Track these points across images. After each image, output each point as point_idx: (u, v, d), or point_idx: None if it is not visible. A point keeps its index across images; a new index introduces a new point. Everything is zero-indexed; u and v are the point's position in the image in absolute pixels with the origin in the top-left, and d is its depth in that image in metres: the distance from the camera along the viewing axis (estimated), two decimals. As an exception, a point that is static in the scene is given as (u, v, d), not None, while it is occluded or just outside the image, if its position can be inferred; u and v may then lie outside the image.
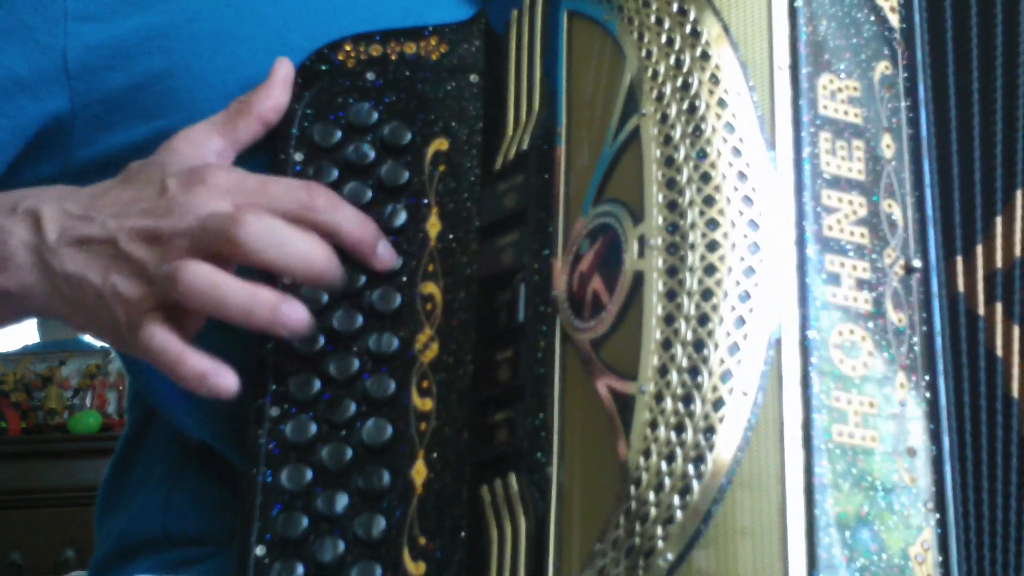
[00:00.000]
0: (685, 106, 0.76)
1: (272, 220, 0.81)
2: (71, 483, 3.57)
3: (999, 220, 0.80)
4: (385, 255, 0.87)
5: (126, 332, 0.83)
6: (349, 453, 0.84)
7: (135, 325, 0.83)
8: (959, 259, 0.80)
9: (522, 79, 0.89)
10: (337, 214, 0.84)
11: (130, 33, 0.95)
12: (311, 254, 0.82)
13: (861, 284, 0.75)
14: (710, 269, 0.73)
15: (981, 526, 0.76)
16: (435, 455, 0.85)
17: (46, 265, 0.85)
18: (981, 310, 0.79)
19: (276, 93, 0.90)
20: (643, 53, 0.79)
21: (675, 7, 0.79)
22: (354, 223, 0.85)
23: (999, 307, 0.79)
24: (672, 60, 0.78)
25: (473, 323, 0.87)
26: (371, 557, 0.82)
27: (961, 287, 0.80)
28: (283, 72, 0.91)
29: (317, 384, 0.86)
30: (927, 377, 0.75)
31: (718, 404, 0.71)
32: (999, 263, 0.80)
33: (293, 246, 0.82)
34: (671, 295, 0.74)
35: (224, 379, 0.82)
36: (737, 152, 0.75)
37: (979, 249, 0.80)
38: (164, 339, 0.81)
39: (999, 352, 0.79)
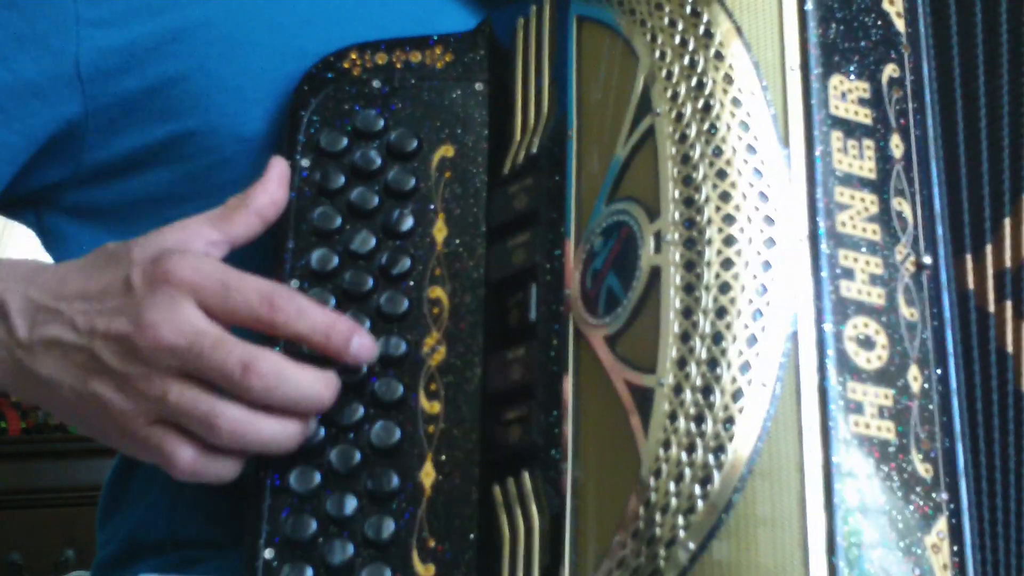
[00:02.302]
0: (700, 105, 0.79)
1: (280, 363, 0.81)
2: (71, 483, 3.55)
3: (1008, 222, 0.84)
4: (362, 350, 0.85)
5: (118, 438, 0.84)
6: (358, 455, 0.86)
7: (136, 434, 0.82)
8: (968, 257, 0.84)
9: (530, 85, 0.92)
10: (300, 325, 0.83)
11: (143, 38, 0.97)
12: (319, 391, 0.83)
13: (874, 279, 0.78)
14: (727, 263, 0.76)
15: (995, 516, 0.79)
16: (443, 457, 0.86)
17: (18, 363, 0.85)
18: (991, 307, 0.83)
19: (272, 189, 0.89)
20: (656, 54, 0.82)
21: (688, 9, 0.82)
22: (319, 330, 0.83)
23: (1009, 305, 0.83)
24: (686, 60, 0.81)
25: (481, 326, 0.89)
26: (380, 559, 0.83)
27: (971, 284, 0.83)
28: (278, 169, 0.90)
29: (326, 387, 0.87)
30: (939, 371, 0.78)
31: (737, 395, 0.74)
32: (1008, 263, 0.83)
33: (299, 385, 0.82)
34: (689, 289, 0.76)
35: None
36: (752, 149, 0.78)
37: (988, 248, 0.84)
38: (205, 463, 0.82)
39: (1009, 349, 0.82)
